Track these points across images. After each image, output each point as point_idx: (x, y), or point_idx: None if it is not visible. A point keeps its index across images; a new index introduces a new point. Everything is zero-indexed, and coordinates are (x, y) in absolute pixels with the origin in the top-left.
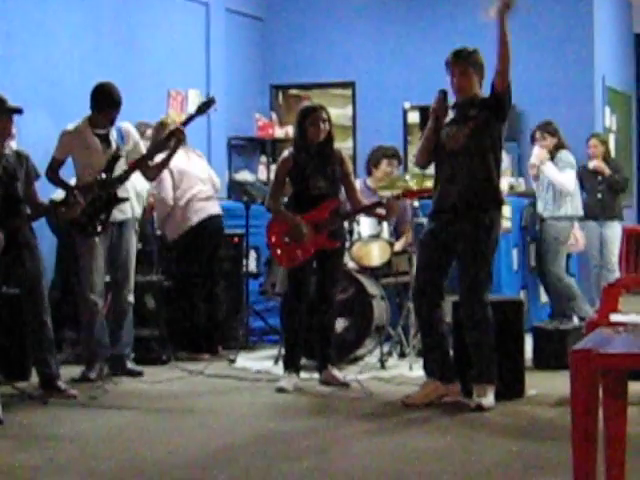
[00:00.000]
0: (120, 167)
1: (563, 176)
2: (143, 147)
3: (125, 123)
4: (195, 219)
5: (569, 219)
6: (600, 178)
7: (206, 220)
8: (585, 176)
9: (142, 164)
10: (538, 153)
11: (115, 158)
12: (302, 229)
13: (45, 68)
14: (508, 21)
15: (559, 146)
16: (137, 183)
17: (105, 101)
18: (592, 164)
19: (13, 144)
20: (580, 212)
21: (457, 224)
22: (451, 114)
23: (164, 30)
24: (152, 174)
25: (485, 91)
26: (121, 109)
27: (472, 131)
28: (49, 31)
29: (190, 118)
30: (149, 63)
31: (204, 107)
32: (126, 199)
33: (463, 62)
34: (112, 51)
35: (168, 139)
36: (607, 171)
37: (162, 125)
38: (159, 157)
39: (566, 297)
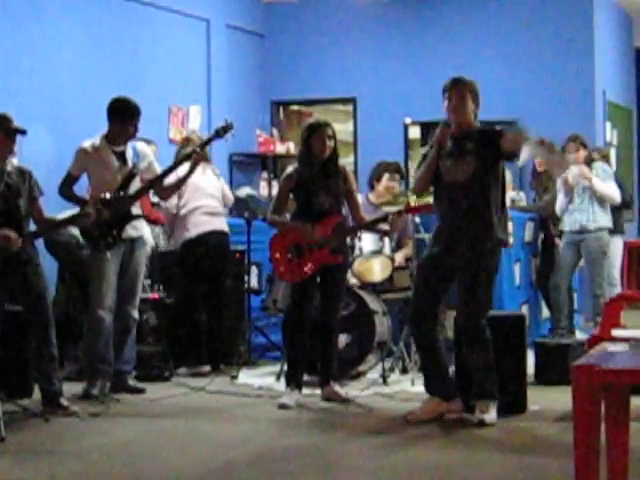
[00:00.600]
0: (134, 186)
1: (610, 187)
2: (157, 167)
3: (140, 143)
4: (194, 231)
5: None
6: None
7: (207, 234)
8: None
9: (157, 183)
10: (582, 171)
11: (131, 176)
12: (309, 229)
13: (47, 85)
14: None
15: (591, 159)
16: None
17: (128, 111)
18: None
19: (14, 161)
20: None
21: (456, 251)
22: (448, 145)
23: (165, 46)
24: (166, 194)
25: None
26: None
27: (471, 169)
28: (51, 48)
29: (207, 141)
30: (150, 79)
31: (222, 131)
32: (140, 216)
33: (461, 86)
34: (113, 67)
35: (186, 159)
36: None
37: (187, 141)
38: (175, 176)
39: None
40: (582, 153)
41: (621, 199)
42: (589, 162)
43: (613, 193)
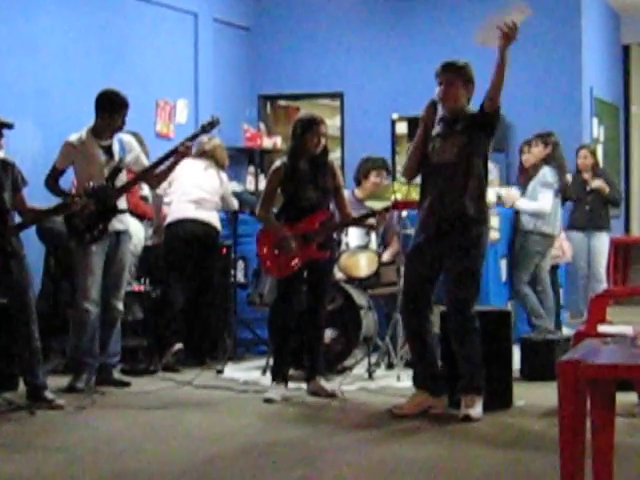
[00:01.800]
0: (121, 179)
1: (537, 202)
2: (144, 159)
3: (127, 135)
4: (175, 215)
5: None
6: (588, 189)
7: (190, 221)
8: (573, 187)
9: (146, 176)
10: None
11: (117, 170)
12: (290, 242)
13: (33, 78)
14: (509, 52)
15: (547, 160)
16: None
17: (116, 103)
18: (594, 184)
19: (0, 154)
20: (556, 231)
21: (444, 238)
22: (437, 128)
23: (152, 40)
24: (154, 183)
25: (474, 106)
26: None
27: (459, 147)
28: (37, 41)
29: (194, 136)
30: (137, 73)
31: (208, 127)
32: (125, 210)
33: (451, 73)
34: (100, 61)
35: (172, 154)
36: (607, 190)
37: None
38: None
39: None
40: (538, 150)
41: (610, 196)
42: (544, 162)
43: (539, 207)
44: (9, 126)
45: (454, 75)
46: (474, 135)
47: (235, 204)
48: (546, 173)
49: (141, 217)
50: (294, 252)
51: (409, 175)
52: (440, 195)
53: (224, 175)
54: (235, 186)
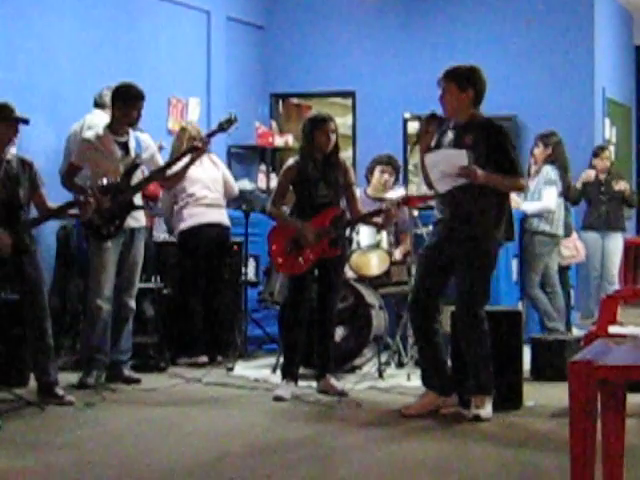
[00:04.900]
0: (137, 176)
1: (541, 201)
2: (160, 158)
3: (144, 134)
4: (190, 222)
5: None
6: (603, 189)
7: (204, 226)
8: (588, 187)
9: (159, 176)
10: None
11: (134, 166)
12: (307, 232)
13: (45, 76)
14: (484, 175)
15: (549, 159)
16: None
17: (131, 95)
18: (620, 186)
19: (13, 150)
20: (560, 231)
21: (456, 241)
22: (449, 135)
23: (165, 38)
24: (169, 184)
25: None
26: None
27: (472, 162)
28: (49, 39)
29: (211, 134)
30: (150, 70)
31: (226, 125)
32: (142, 207)
33: (446, 79)
34: (113, 58)
35: (189, 151)
36: (629, 192)
37: (183, 131)
38: (177, 166)
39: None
40: (539, 151)
41: (631, 198)
42: (546, 162)
43: (544, 206)
44: (25, 121)
45: (448, 81)
46: (482, 149)
47: (235, 185)
48: (549, 171)
49: (150, 198)
50: (314, 241)
51: (429, 184)
52: (452, 202)
53: (213, 157)
54: (247, 184)
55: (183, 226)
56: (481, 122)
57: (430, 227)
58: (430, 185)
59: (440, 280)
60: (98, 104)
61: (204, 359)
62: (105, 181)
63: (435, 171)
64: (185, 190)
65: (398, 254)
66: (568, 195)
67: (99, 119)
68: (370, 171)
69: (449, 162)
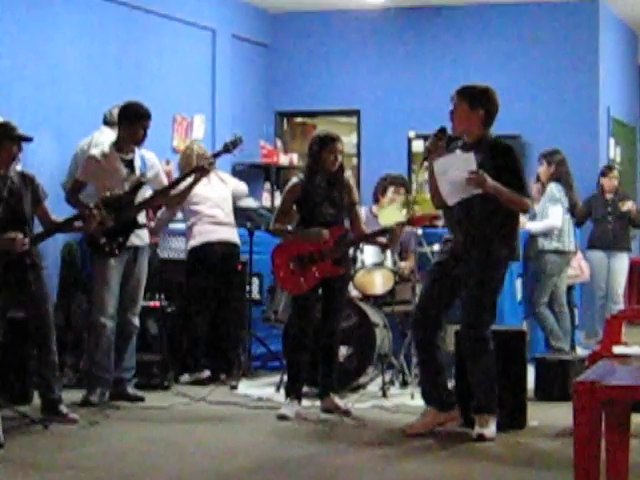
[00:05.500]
0: (142, 194)
1: (547, 220)
2: (164, 178)
3: (150, 153)
4: (199, 239)
5: (562, 254)
6: (610, 209)
7: (214, 244)
8: (595, 206)
9: (163, 195)
10: None
11: (139, 184)
12: (316, 232)
13: (50, 92)
14: (492, 185)
15: (553, 178)
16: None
17: (138, 113)
18: (627, 206)
19: (18, 167)
20: (571, 247)
21: (465, 259)
22: (458, 153)
23: (171, 56)
24: (172, 203)
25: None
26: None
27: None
28: (55, 55)
29: (217, 154)
30: (155, 88)
31: (231, 146)
32: (145, 225)
33: (458, 96)
34: (118, 76)
35: (194, 171)
36: (635, 212)
37: (188, 150)
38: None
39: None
40: (543, 170)
41: (637, 218)
42: (550, 180)
43: (550, 224)
44: (28, 139)
45: (460, 98)
46: (492, 169)
47: (243, 187)
48: (553, 189)
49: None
50: (326, 237)
51: (439, 205)
52: (460, 222)
53: (219, 173)
54: (251, 202)
55: (193, 243)
56: (490, 142)
57: (435, 246)
58: (438, 204)
59: (445, 296)
60: (108, 122)
61: (207, 373)
62: (109, 194)
63: (444, 180)
64: (195, 208)
65: (405, 268)
66: (574, 212)
67: (106, 137)
68: (382, 191)
69: (458, 166)
